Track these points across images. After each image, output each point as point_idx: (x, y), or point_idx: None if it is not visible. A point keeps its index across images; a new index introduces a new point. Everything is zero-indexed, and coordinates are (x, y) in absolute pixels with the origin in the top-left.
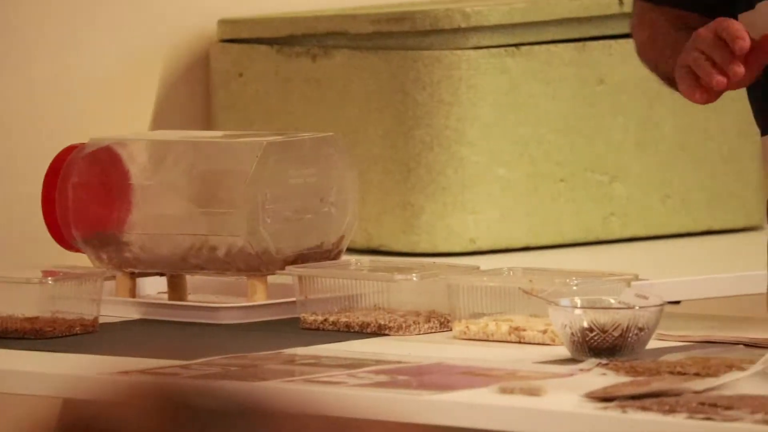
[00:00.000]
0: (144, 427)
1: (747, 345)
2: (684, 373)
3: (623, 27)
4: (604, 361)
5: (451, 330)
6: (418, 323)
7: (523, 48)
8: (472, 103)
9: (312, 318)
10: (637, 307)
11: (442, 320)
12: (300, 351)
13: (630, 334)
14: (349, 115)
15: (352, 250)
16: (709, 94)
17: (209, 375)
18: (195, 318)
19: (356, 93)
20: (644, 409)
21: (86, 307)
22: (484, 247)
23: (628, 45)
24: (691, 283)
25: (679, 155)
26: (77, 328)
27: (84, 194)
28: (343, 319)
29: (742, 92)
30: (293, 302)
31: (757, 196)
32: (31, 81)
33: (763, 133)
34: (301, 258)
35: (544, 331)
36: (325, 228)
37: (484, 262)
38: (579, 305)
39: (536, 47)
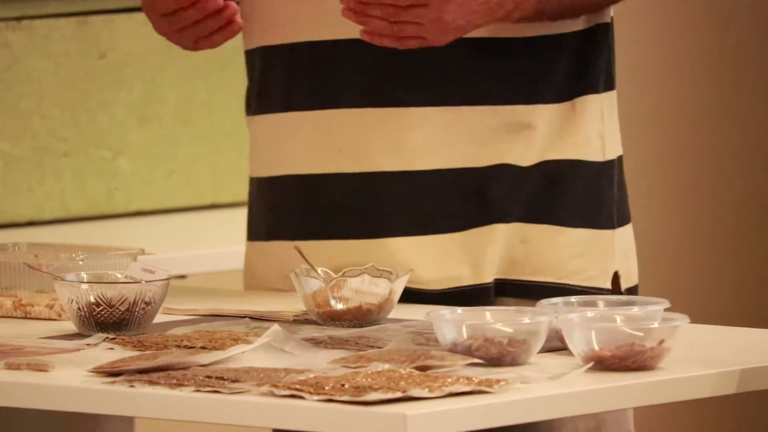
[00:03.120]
0: None
1: (253, 318)
2: (191, 347)
3: (125, 1)
4: (111, 336)
5: None
6: None
7: (24, 22)
8: None
9: None
10: (143, 281)
11: None
12: None
13: (137, 308)
14: None
15: None
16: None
17: None
18: None
19: None
20: (152, 383)
21: None
22: None
23: (130, 20)
24: (197, 257)
25: (182, 130)
26: None
27: None
28: None
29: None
30: None
31: None
32: None
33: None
34: None
35: (51, 306)
36: None
37: None
38: (85, 280)
39: (37, 21)
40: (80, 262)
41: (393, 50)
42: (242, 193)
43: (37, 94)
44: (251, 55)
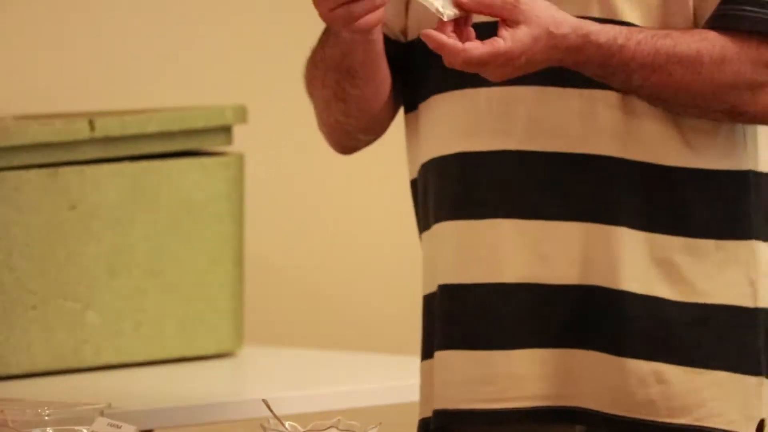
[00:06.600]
0: None
1: None
2: None
3: (95, 152)
4: None
5: None
6: None
7: None
8: None
9: None
10: None
11: None
12: None
13: None
14: None
15: None
16: None
17: None
18: None
19: None
20: None
21: None
22: None
23: (101, 170)
24: (165, 411)
25: (151, 282)
26: None
27: None
28: None
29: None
30: None
31: (229, 323)
32: None
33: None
34: None
35: None
36: None
37: None
38: None
39: (7, 173)
40: (46, 417)
41: (541, 165)
42: (211, 346)
43: (5, 246)
44: (414, 183)
